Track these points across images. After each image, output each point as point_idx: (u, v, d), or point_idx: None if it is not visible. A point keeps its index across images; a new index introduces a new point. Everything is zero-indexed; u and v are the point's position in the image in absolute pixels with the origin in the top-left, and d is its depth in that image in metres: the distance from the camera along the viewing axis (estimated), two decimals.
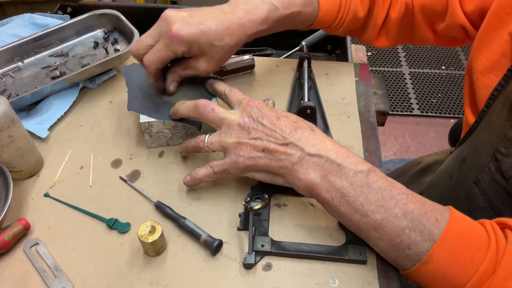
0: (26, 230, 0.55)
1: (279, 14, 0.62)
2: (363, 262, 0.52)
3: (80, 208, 0.58)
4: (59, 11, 0.92)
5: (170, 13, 0.57)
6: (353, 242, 0.53)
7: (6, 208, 0.53)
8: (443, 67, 2.29)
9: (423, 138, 2.00)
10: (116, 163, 0.64)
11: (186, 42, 0.57)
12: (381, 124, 0.77)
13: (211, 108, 0.55)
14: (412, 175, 0.91)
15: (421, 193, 0.50)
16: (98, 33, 0.81)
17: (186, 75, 0.62)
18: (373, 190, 0.48)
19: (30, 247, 0.54)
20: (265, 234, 0.55)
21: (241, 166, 0.53)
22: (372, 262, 0.53)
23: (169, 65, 0.62)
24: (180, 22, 0.56)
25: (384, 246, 0.49)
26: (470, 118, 0.62)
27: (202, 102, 0.56)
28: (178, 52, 0.57)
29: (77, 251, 0.54)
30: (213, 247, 0.52)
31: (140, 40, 0.59)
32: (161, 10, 0.94)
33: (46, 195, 0.60)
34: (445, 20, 0.66)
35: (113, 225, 0.56)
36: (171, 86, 0.63)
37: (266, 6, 0.61)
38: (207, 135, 0.56)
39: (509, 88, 0.51)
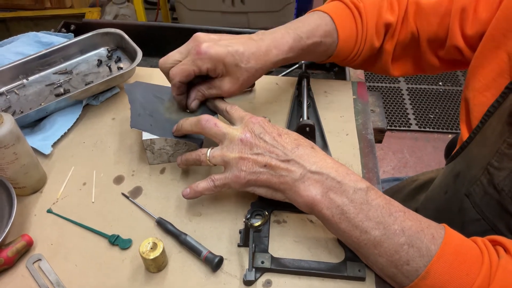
0: (29, 246, 0.56)
1: (303, 44, 0.65)
2: (362, 279, 0.53)
3: (82, 224, 0.59)
4: (63, 29, 0.94)
5: (201, 35, 0.61)
6: (352, 259, 0.54)
7: (10, 224, 0.54)
8: (440, 83, 2.31)
9: (421, 153, 2.02)
10: (119, 180, 0.65)
11: (212, 60, 0.59)
12: (379, 141, 0.78)
13: (213, 123, 0.57)
14: (408, 193, 0.92)
15: (416, 210, 0.51)
16: (102, 51, 0.82)
17: (210, 95, 0.64)
18: (372, 207, 0.49)
19: (33, 263, 0.55)
20: (265, 250, 0.55)
21: (242, 181, 0.54)
22: (371, 279, 0.53)
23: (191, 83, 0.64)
24: (209, 42, 0.59)
25: (383, 263, 0.49)
26: (465, 134, 0.64)
27: (205, 117, 0.57)
28: (203, 68, 0.59)
29: (79, 267, 0.55)
30: (214, 264, 0.53)
31: (169, 55, 0.62)
32: (163, 28, 0.97)
33: (49, 211, 0.61)
34: (446, 44, 0.68)
35: (115, 241, 0.57)
36: (193, 103, 0.64)
37: (291, 36, 0.64)
38: (209, 149, 0.57)
39: (505, 105, 0.53)
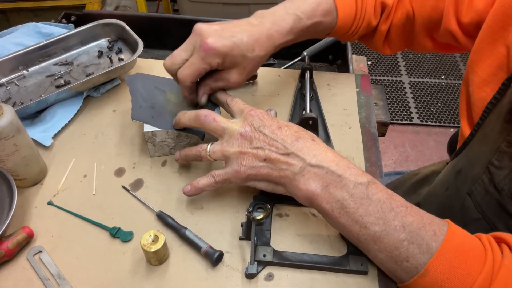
0: (29, 238, 0.55)
1: (303, 25, 0.64)
2: (364, 273, 0.53)
3: (83, 216, 0.59)
4: (63, 20, 0.93)
5: (203, 27, 0.58)
6: (354, 253, 0.54)
7: (10, 216, 0.54)
8: (442, 77, 2.30)
9: (423, 147, 2.01)
10: (119, 172, 0.64)
11: (220, 54, 0.58)
12: (382, 134, 0.77)
13: (212, 118, 0.56)
14: (409, 186, 0.91)
15: (418, 204, 0.51)
16: (103, 42, 0.81)
17: (217, 87, 0.63)
18: (372, 202, 0.49)
19: (34, 255, 0.55)
20: (267, 244, 0.55)
21: (243, 176, 0.53)
22: (373, 273, 0.53)
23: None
24: (213, 35, 0.58)
25: (383, 258, 0.49)
26: (465, 130, 0.63)
27: (204, 112, 0.57)
28: (213, 64, 0.58)
29: (80, 260, 0.55)
30: (214, 259, 0.53)
31: (174, 55, 0.60)
32: (164, 19, 0.96)
33: (50, 203, 0.60)
34: (440, 28, 0.67)
35: (116, 233, 0.57)
36: (203, 98, 0.63)
37: (291, 17, 0.63)
38: (209, 144, 0.56)
39: (503, 102, 0.52)
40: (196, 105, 0.65)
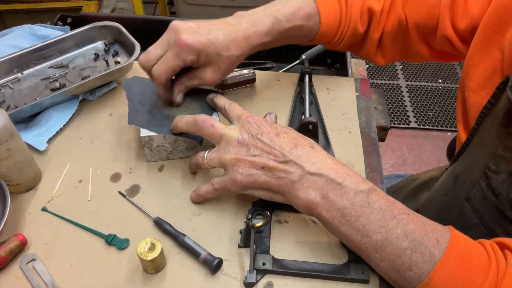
0: (22, 246, 0.54)
1: (281, 27, 0.63)
2: (366, 282, 0.52)
3: (78, 223, 0.57)
4: (59, 22, 0.92)
5: (179, 23, 0.58)
6: (356, 261, 0.53)
7: (3, 223, 0.52)
8: (439, 81, 2.30)
9: (420, 151, 2.01)
10: (116, 177, 0.63)
11: (195, 51, 0.57)
12: (382, 139, 0.76)
13: (210, 123, 0.55)
14: (408, 192, 0.91)
15: (417, 210, 0.50)
16: (99, 45, 0.80)
17: (192, 86, 0.63)
18: (374, 210, 0.48)
19: (27, 263, 0.53)
20: (266, 251, 0.54)
21: (239, 184, 0.52)
22: (375, 282, 0.52)
23: (173, 77, 0.62)
24: (188, 31, 0.57)
25: (385, 267, 0.48)
26: (462, 135, 0.62)
27: (202, 117, 0.56)
28: (187, 60, 0.58)
29: (74, 268, 0.53)
30: (213, 266, 0.52)
31: (149, 51, 0.59)
32: (161, 21, 0.95)
33: (44, 209, 0.59)
34: (436, 35, 0.66)
35: (112, 241, 0.55)
36: (178, 97, 0.63)
37: (269, 19, 0.62)
38: (207, 152, 0.55)
39: (498, 106, 0.52)
40: (194, 109, 0.64)
